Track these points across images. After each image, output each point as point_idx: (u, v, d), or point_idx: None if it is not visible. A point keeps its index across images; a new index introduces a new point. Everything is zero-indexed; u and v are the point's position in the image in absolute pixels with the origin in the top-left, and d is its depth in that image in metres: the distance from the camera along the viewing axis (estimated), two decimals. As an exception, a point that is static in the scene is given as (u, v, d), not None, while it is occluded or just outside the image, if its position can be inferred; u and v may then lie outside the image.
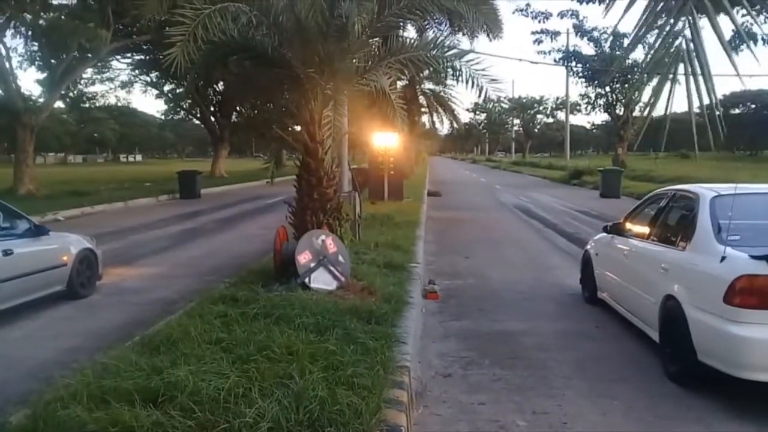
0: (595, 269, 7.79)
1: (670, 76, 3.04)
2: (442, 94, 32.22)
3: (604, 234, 7.63)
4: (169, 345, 4.83)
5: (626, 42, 38.48)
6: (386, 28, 8.13)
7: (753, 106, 77.72)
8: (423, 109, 33.27)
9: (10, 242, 7.19)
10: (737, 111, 77.97)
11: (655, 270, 5.83)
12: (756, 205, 5.98)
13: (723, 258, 4.75)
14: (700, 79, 2.99)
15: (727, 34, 3.21)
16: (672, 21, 3.04)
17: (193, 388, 3.83)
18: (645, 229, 6.66)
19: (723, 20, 3.28)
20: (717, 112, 3.04)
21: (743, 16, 9.14)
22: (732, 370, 4.59)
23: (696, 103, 3.00)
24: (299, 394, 3.78)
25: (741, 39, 12.90)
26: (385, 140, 18.20)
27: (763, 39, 18.22)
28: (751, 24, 16.89)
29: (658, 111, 3.14)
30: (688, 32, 3.01)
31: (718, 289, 4.66)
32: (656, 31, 3.26)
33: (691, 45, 2.99)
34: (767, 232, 5.50)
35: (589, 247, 8.34)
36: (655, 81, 3.36)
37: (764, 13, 17.82)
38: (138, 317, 6.98)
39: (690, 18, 2.98)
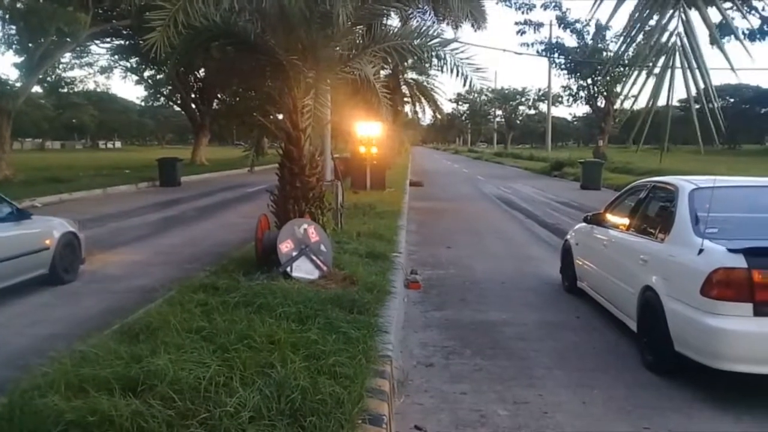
0: (575, 259, 7.87)
1: (657, 68, 3.04)
2: (425, 83, 32.18)
3: (584, 224, 7.77)
4: (148, 333, 4.78)
5: (608, 35, 38.79)
6: (370, 16, 8.06)
7: (732, 100, 78.58)
8: (406, 99, 33.19)
9: None
10: (711, 106, 78.70)
11: (634, 261, 5.91)
12: (734, 197, 6.03)
13: (701, 251, 4.84)
14: (694, 72, 3.00)
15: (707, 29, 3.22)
16: (664, 15, 3.04)
17: (173, 377, 3.78)
18: (624, 220, 6.75)
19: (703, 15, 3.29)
20: (716, 104, 3.05)
21: (727, 9, 9.19)
22: (708, 361, 4.67)
23: (692, 94, 3.01)
24: (281, 384, 3.76)
25: (724, 32, 12.99)
26: (368, 130, 18.19)
27: (744, 33, 18.39)
28: (732, 18, 17.01)
29: (659, 103, 3.15)
30: (680, 25, 3.01)
31: (695, 281, 4.75)
32: (645, 25, 3.27)
33: (684, 38, 2.99)
34: (745, 225, 5.60)
35: (569, 237, 8.43)
36: (639, 74, 3.36)
37: (746, 7, 17.98)
38: (117, 305, 6.90)
39: (682, 10, 2.99)
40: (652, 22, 3.26)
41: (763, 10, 23.53)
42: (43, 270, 7.89)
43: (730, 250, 4.65)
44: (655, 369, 5.23)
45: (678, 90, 3.12)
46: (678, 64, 3.02)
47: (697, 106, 3.07)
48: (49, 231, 8.12)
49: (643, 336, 5.56)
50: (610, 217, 7.19)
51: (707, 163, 28.29)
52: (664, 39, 3.15)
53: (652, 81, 3.28)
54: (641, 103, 3.47)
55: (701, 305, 4.69)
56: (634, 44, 3.70)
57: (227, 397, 3.59)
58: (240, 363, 4.06)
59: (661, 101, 3.22)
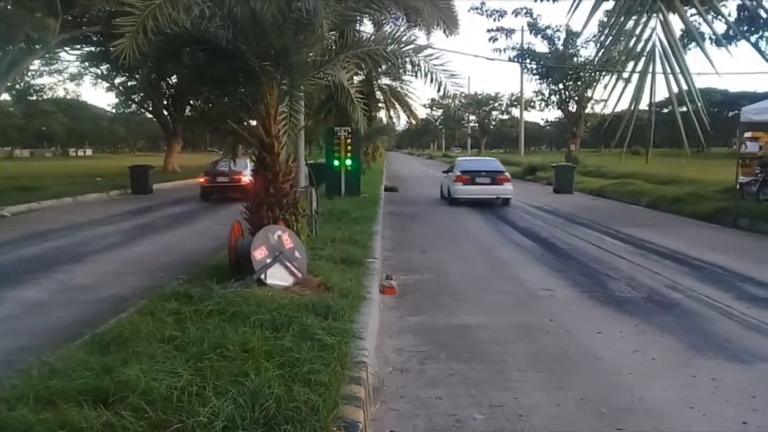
0: (441, 186, 22.47)
1: (632, 73, 3.08)
2: (399, 89, 32.35)
3: (443, 174, 22.51)
4: (119, 344, 4.72)
5: (578, 40, 39.36)
6: (343, 22, 8.07)
7: (701, 104, 79.80)
8: (380, 105, 33.29)
9: None
10: (685, 109, 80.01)
11: (449, 180, 21.15)
12: (470, 162, 22.70)
13: (455, 174, 20.40)
14: (677, 74, 3.03)
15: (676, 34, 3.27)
16: (642, 20, 3.08)
17: (145, 388, 3.74)
18: (448, 170, 21.91)
19: (673, 19, 3.34)
20: (700, 104, 3.09)
21: (692, 15, 9.38)
22: (456, 198, 20.09)
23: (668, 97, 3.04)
24: (255, 392, 3.73)
25: (690, 39, 13.23)
26: (342, 135, 18.27)
27: (710, 38, 18.71)
28: (700, 23, 17.35)
29: (642, 105, 3.21)
30: (659, 28, 3.05)
31: (454, 179, 20.33)
32: (620, 31, 3.30)
33: (665, 41, 3.03)
34: (467, 168, 20.65)
35: (441, 180, 22.91)
36: (609, 78, 3.41)
37: (712, 13, 18.33)
38: (87, 315, 6.79)
39: (661, 15, 3.03)
40: (628, 26, 3.30)
41: (729, 15, 24.00)
42: None
43: (459, 171, 20.42)
44: (449, 204, 20.48)
45: (652, 94, 3.17)
46: (658, 67, 3.05)
47: (685, 108, 3.11)
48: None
49: (448, 197, 20.91)
50: (448, 171, 21.75)
51: (674, 166, 28.74)
52: (641, 44, 3.18)
53: (624, 85, 3.32)
54: (615, 108, 3.51)
55: (454, 184, 20.11)
56: (609, 49, 3.75)
57: (200, 406, 3.56)
58: (213, 372, 4.03)
59: (638, 105, 3.26)
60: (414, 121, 37.00)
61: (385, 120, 38.45)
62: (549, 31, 39.67)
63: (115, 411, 3.54)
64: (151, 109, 44.51)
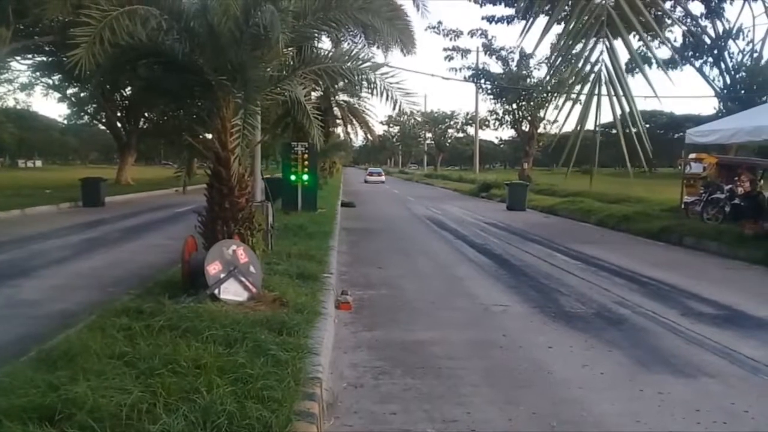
0: (364, 176, 60.25)
1: (581, 95, 3.19)
2: (356, 106, 32.43)
3: (365, 173, 64.85)
4: (67, 360, 4.61)
5: (532, 62, 40.34)
6: (301, 38, 8.11)
7: (648, 125, 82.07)
8: (337, 121, 33.33)
9: None
10: (629, 131, 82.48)
11: (366, 175, 60.95)
12: (372, 169, 71.03)
13: (367, 173, 62.28)
14: (620, 98, 3.15)
15: (623, 58, 3.42)
16: (590, 44, 3.20)
17: (93, 405, 3.67)
18: (366, 172, 64.30)
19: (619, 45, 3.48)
20: (642, 128, 3.22)
21: (638, 41, 9.71)
22: (366, 181, 58.24)
23: (618, 119, 3.16)
24: (206, 409, 3.70)
25: (636, 64, 13.69)
26: (300, 150, 18.29)
27: (657, 63, 19.47)
28: (646, 50, 17.97)
29: (589, 126, 3.33)
30: (605, 54, 3.18)
31: (366, 175, 60.59)
32: (569, 54, 3.42)
33: (609, 66, 3.16)
34: (371, 171, 63.95)
35: (366, 174, 62.83)
36: (566, 101, 3.52)
37: (657, 39, 19.04)
38: (34, 331, 6.60)
39: (606, 41, 3.15)
40: (576, 50, 3.42)
41: (675, 41, 24.91)
42: None
43: (368, 172, 63.84)
44: (363, 183, 53.00)
45: (603, 115, 3.30)
46: (603, 90, 3.18)
47: (628, 130, 3.24)
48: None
49: (364, 182, 54.66)
50: (366, 172, 64.34)
51: (624, 185, 29.49)
52: (588, 67, 3.30)
53: (572, 106, 3.44)
54: (565, 128, 3.63)
55: (366, 176, 60.08)
56: (559, 71, 3.87)
57: (150, 424, 3.51)
58: (164, 389, 3.98)
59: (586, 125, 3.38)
60: (371, 138, 37.13)
61: (342, 136, 38.52)
62: (503, 53, 40.54)
63: (62, 429, 3.46)
64: (104, 120, 43.67)
